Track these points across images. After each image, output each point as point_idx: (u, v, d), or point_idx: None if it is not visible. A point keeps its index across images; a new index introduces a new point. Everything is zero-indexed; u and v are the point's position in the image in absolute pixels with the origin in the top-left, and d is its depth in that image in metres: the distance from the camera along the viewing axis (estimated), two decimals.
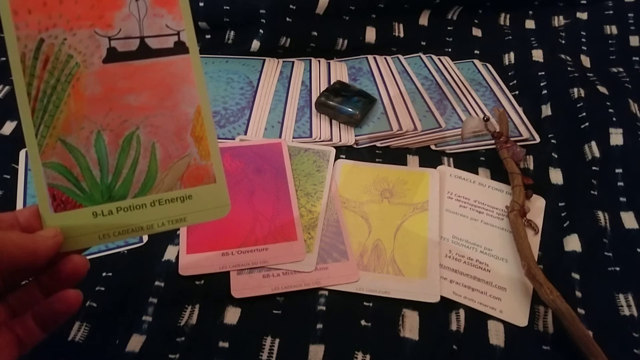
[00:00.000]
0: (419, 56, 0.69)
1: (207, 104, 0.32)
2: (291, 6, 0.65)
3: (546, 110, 0.61)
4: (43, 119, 0.29)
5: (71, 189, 0.30)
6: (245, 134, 0.56)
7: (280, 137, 0.56)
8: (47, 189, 0.30)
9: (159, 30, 0.31)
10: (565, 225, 0.49)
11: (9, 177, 0.50)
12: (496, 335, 0.41)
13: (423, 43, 0.71)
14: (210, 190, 0.32)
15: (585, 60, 0.70)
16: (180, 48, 0.31)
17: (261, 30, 0.65)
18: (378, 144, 0.56)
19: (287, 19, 0.65)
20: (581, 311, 0.43)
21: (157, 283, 0.43)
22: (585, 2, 0.77)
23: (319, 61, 0.67)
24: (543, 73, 0.65)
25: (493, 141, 0.54)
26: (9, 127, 0.55)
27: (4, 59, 0.65)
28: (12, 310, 0.29)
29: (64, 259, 0.28)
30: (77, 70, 0.30)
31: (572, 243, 0.48)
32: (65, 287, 0.29)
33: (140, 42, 0.31)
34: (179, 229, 0.46)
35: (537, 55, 0.68)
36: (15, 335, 0.28)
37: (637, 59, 0.71)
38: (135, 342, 0.39)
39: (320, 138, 0.56)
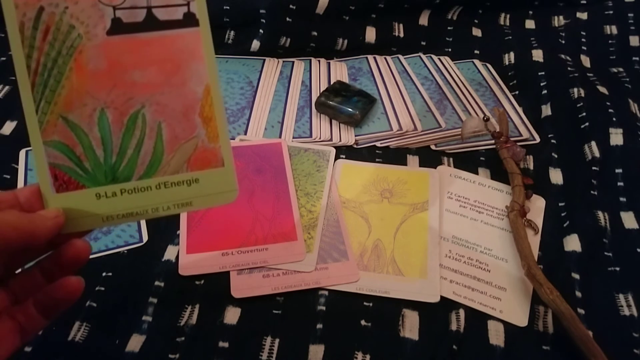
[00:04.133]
0: (419, 56, 0.69)
1: (216, 83, 0.30)
2: (291, 6, 0.65)
3: (546, 110, 0.61)
4: (44, 94, 0.28)
5: (73, 169, 0.29)
6: (245, 134, 0.56)
7: (280, 137, 0.56)
8: (49, 169, 0.28)
9: (167, 0, 0.29)
10: (565, 225, 0.49)
11: (9, 177, 0.50)
12: (496, 335, 0.41)
13: (423, 43, 0.71)
14: (217, 174, 0.31)
15: (585, 60, 0.70)
16: (189, 20, 0.29)
17: (261, 30, 0.65)
18: (378, 144, 0.56)
19: (287, 19, 0.65)
20: (581, 311, 0.43)
21: (157, 283, 0.43)
22: (585, 2, 0.77)
23: (319, 61, 0.67)
24: (543, 73, 0.65)
25: (493, 141, 0.54)
26: (9, 127, 0.55)
27: (4, 59, 0.64)
28: (14, 296, 0.28)
29: (66, 244, 0.28)
30: (80, 42, 0.28)
31: (572, 243, 0.48)
32: (68, 272, 0.28)
33: (147, 13, 0.29)
34: (178, 230, 0.46)
35: (537, 55, 0.68)
36: (17, 322, 0.27)
37: (637, 59, 0.71)
38: (135, 342, 0.39)
39: (320, 138, 0.56)
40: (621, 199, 0.52)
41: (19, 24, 0.27)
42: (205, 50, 0.30)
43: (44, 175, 0.28)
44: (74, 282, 0.28)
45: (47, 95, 0.28)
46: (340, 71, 0.65)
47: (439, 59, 0.69)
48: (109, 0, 0.28)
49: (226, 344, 0.40)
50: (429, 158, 0.55)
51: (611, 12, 0.75)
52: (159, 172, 0.30)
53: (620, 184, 0.53)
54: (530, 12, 0.77)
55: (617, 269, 0.46)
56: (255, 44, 0.65)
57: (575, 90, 0.61)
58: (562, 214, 0.50)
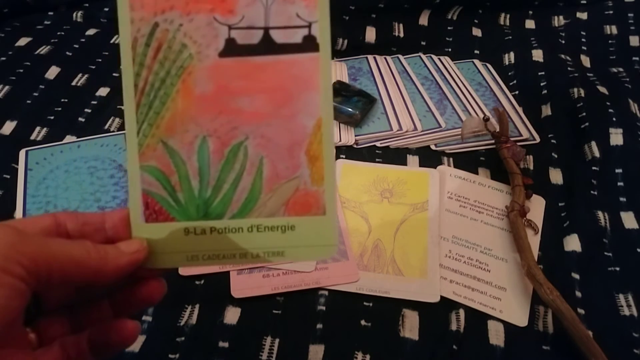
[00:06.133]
0: (419, 56, 0.69)
1: (330, 117, 0.27)
2: None
3: (546, 110, 0.61)
4: (147, 115, 0.26)
5: (166, 198, 0.26)
6: None
7: None
8: (142, 196, 0.26)
9: (287, 21, 0.26)
10: (565, 225, 0.49)
11: (9, 177, 0.50)
12: (496, 335, 0.41)
13: (423, 43, 0.71)
14: (317, 223, 0.27)
15: (585, 60, 0.70)
16: (309, 44, 0.27)
17: None
18: (378, 144, 0.56)
19: None
20: (581, 311, 0.43)
21: None
22: (585, 2, 0.77)
23: None
24: (543, 73, 0.65)
25: (493, 141, 0.54)
26: (9, 127, 0.55)
27: (3, 58, 0.64)
28: (76, 324, 0.27)
29: (142, 283, 0.26)
30: (190, 63, 0.26)
31: (572, 243, 0.48)
32: (135, 309, 0.27)
33: (263, 34, 0.26)
34: None
35: (537, 55, 0.68)
36: (65, 354, 0.25)
37: (637, 59, 0.71)
38: (135, 342, 0.39)
39: None
40: (621, 199, 0.52)
41: (132, 39, 0.26)
42: (322, 79, 0.27)
43: (136, 201, 0.26)
44: (131, 326, 0.26)
45: (150, 117, 0.26)
46: (340, 71, 0.65)
47: (439, 59, 0.69)
48: (225, 19, 0.26)
49: (226, 344, 0.40)
50: (429, 158, 0.55)
51: (611, 12, 0.75)
52: (253, 213, 0.27)
53: (620, 184, 0.53)
54: (530, 12, 0.77)
55: (617, 269, 0.46)
56: None
57: (575, 90, 0.61)
58: (562, 214, 0.50)
